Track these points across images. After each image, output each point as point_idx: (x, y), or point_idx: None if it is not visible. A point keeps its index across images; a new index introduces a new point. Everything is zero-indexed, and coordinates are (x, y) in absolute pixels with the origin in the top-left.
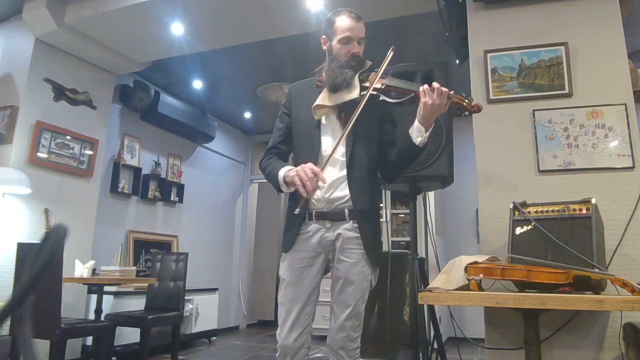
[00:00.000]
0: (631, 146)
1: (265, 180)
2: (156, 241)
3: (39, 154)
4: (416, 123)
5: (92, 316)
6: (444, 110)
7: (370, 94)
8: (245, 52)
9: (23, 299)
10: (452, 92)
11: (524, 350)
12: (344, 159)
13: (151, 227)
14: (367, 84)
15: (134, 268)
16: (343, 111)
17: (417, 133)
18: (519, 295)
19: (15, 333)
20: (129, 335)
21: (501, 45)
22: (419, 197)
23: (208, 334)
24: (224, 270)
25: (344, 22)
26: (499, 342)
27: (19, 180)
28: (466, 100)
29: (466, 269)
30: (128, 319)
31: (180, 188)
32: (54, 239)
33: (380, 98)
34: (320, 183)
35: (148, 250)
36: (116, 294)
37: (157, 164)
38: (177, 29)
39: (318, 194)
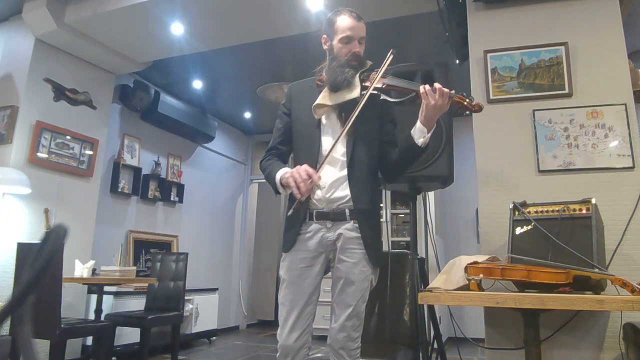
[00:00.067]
0: (631, 146)
1: (265, 180)
2: (156, 241)
3: (39, 154)
4: (418, 124)
5: (92, 316)
6: (445, 110)
7: (371, 94)
8: (245, 52)
9: (23, 299)
10: (453, 92)
11: (524, 350)
12: (345, 158)
13: (151, 227)
14: (367, 84)
15: (134, 268)
16: (343, 111)
17: (420, 134)
18: (519, 295)
19: (15, 333)
20: (129, 335)
21: (501, 45)
22: (419, 197)
23: (208, 334)
24: (224, 270)
25: (345, 21)
26: (499, 342)
27: (19, 180)
28: (467, 100)
29: (466, 269)
30: (128, 319)
31: (180, 188)
32: (54, 239)
33: (381, 97)
34: (320, 183)
35: (148, 250)
36: (116, 294)
37: (157, 164)
38: (177, 29)
39: (319, 193)
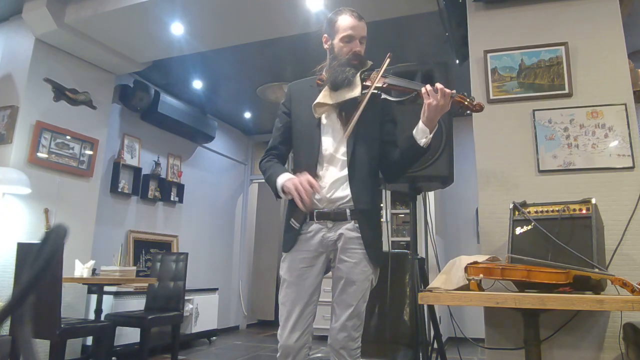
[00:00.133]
0: (631, 146)
1: (264, 181)
2: (156, 241)
3: (39, 154)
4: (420, 124)
5: (92, 316)
6: (447, 110)
7: (372, 93)
8: (245, 52)
9: (23, 299)
10: (454, 92)
11: (524, 350)
12: (345, 158)
13: (151, 227)
14: (368, 83)
15: (134, 268)
16: (344, 110)
17: (422, 134)
18: (519, 295)
19: (15, 333)
20: (129, 335)
21: (501, 45)
22: (419, 197)
23: (208, 334)
24: (224, 270)
25: (346, 20)
26: (499, 342)
27: (19, 180)
28: (468, 100)
29: (466, 269)
30: (128, 319)
31: (180, 188)
32: (54, 239)
33: (382, 97)
34: (321, 183)
35: (148, 250)
36: (116, 294)
37: (157, 164)
38: (177, 29)
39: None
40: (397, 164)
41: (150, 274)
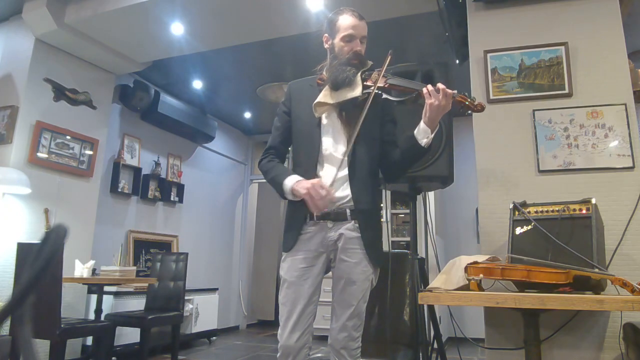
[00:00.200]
0: (631, 146)
1: (265, 180)
2: (156, 241)
3: (39, 154)
4: (422, 124)
5: (92, 316)
6: (448, 110)
7: (374, 93)
8: (245, 52)
9: (23, 299)
10: (455, 92)
11: (524, 350)
12: (345, 158)
13: (151, 227)
14: (369, 83)
15: (134, 268)
16: (344, 109)
17: (423, 134)
18: (519, 295)
19: (15, 333)
20: (129, 335)
21: (501, 45)
22: (419, 197)
23: (208, 334)
24: (224, 270)
25: (346, 20)
26: (499, 342)
27: (19, 180)
28: (469, 100)
29: (466, 269)
30: (128, 319)
31: (180, 188)
32: (54, 239)
33: (383, 96)
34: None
35: (148, 250)
36: (116, 294)
37: (157, 164)
38: (177, 29)
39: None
40: (398, 164)
41: (150, 274)
